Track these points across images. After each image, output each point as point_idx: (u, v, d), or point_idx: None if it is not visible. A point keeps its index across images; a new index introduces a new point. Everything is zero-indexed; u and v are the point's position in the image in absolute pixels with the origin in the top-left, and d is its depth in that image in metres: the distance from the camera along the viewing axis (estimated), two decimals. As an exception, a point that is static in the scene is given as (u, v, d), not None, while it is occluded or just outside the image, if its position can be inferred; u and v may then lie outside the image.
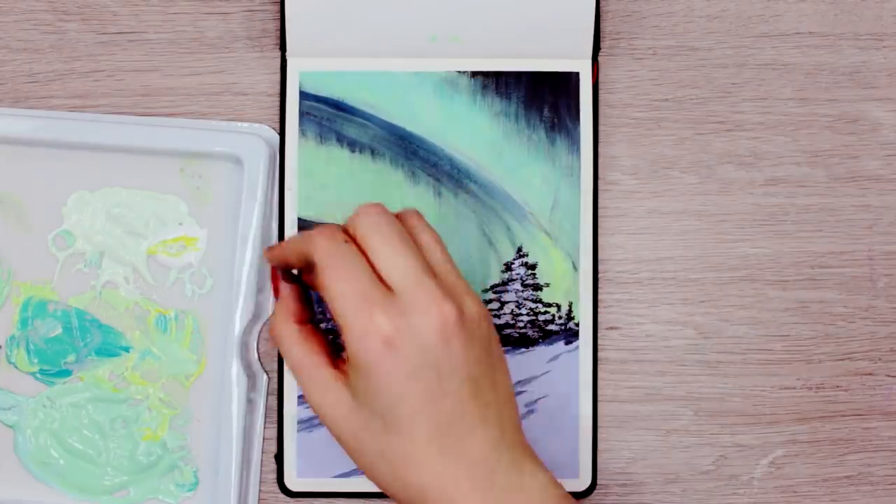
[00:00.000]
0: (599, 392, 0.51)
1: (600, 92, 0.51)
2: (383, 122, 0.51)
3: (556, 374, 0.50)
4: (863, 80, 0.52)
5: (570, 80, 0.51)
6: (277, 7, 0.51)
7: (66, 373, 0.51)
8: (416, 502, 0.41)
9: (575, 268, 0.50)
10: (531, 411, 0.50)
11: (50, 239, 0.51)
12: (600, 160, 0.51)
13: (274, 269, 0.45)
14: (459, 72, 0.51)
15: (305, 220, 0.50)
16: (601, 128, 0.51)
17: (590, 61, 0.51)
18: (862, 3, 0.52)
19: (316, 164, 0.50)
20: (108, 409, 0.51)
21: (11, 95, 0.51)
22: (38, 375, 0.51)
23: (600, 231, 0.51)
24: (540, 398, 0.50)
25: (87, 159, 0.51)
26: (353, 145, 0.51)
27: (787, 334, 0.51)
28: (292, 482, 0.50)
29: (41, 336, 0.51)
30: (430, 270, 0.41)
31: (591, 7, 0.50)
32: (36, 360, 0.51)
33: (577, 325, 0.50)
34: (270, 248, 0.45)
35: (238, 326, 0.50)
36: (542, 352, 0.50)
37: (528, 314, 0.51)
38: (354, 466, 0.50)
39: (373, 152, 0.51)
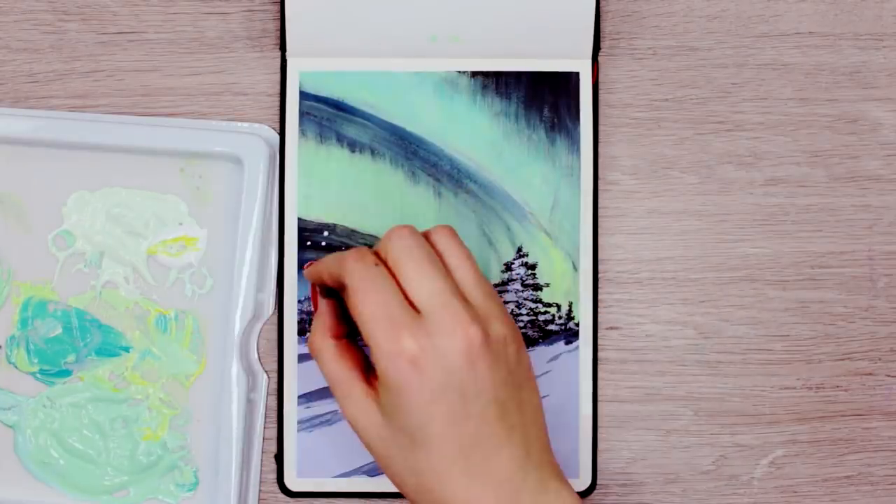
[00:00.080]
0: (599, 392, 0.51)
1: (600, 92, 0.51)
2: (383, 122, 0.51)
3: (557, 374, 0.50)
4: (863, 80, 0.52)
5: (570, 80, 0.51)
6: (277, 7, 0.51)
7: (66, 373, 0.51)
8: None
9: (575, 268, 0.50)
10: (531, 411, 0.50)
11: (50, 239, 0.51)
12: (600, 160, 0.51)
13: (313, 285, 0.46)
14: (459, 72, 0.51)
15: (305, 220, 0.50)
16: (601, 128, 0.51)
17: (590, 61, 0.51)
18: (862, 3, 0.52)
19: (316, 164, 0.50)
20: (108, 409, 0.51)
21: (11, 95, 0.51)
22: (38, 375, 0.51)
23: (600, 231, 0.51)
24: (540, 398, 0.50)
25: (87, 159, 0.51)
26: (353, 145, 0.51)
27: (787, 334, 0.51)
28: (292, 482, 0.50)
29: (41, 336, 0.51)
30: (459, 292, 0.42)
31: (591, 7, 0.50)
32: (36, 360, 0.51)
33: (577, 325, 0.50)
34: (308, 266, 0.46)
35: (238, 326, 0.50)
36: (542, 352, 0.50)
37: (528, 314, 0.51)
38: (354, 466, 0.50)
39: (373, 152, 0.51)
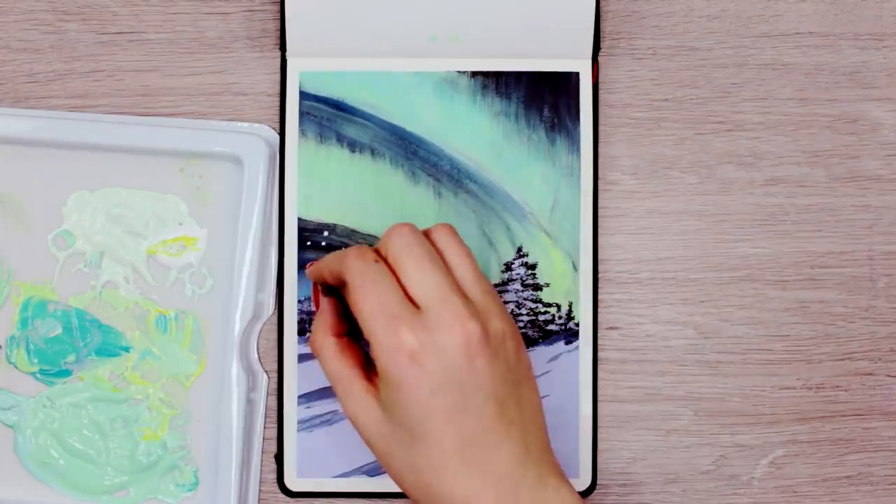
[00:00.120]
0: (599, 392, 0.51)
1: (600, 92, 0.51)
2: (383, 122, 0.51)
3: (557, 374, 0.50)
4: (863, 80, 0.52)
5: (570, 80, 0.51)
6: (277, 7, 0.51)
7: (66, 373, 0.51)
8: None
9: (575, 268, 0.50)
10: (531, 411, 0.50)
11: (50, 239, 0.51)
12: (600, 160, 0.51)
13: (315, 283, 0.46)
14: (459, 72, 0.51)
15: (305, 220, 0.50)
16: (601, 128, 0.51)
17: (590, 61, 0.51)
18: (862, 3, 0.52)
19: (316, 164, 0.50)
20: (108, 409, 0.51)
21: (11, 95, 0.51)
22: (38, 375, 0.51)
23: (600, 231, 0.51)
24: (539, 396, 0.50)
25: (87, 159, 0.51)
26: (353, 145, 0.51)
27: (787, 334, 0.51)
28: (292, 482, 0.50)
29: (41, 336, 0.51)
30: (458, 289, 0.42)
31: (591, 7, 0.50)
32: (36, 360, 0.51)
33: (577, 325, 0.50)
34: (310, 265, 0.47)
35: (238, 326, 0.50)
36: (542, 352, 0.50)
37: (528, 314, 0.51)
38: (354, 466, 0.50)
39: (373, 152, 0.51)
